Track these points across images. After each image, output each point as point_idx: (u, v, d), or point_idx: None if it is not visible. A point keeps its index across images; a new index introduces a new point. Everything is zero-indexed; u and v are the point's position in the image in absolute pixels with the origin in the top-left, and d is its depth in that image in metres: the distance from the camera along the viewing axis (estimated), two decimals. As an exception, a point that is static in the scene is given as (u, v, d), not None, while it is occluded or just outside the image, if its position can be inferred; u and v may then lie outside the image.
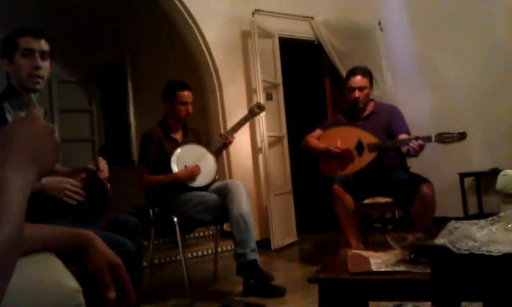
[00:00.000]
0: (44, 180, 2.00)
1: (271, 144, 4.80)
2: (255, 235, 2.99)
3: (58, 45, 2.24)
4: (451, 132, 3.08)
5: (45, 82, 2.19)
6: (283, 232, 4.73)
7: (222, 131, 4.53)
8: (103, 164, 2.29)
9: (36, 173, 0.74)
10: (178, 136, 3.29)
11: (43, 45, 2.13)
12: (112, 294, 1.00)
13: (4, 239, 0.63)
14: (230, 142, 3.37)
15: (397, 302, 2.38)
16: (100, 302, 1.70)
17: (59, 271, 1.32)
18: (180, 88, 3.24)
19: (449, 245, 1.26)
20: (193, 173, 3.15)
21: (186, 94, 3.24)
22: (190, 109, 3.26)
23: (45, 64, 2.14)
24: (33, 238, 1.13)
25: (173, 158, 3.15)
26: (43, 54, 2.13)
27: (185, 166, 3.16)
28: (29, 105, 0.82)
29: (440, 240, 1.32)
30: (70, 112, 7.59)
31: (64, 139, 7.21)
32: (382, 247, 1.84)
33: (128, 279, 1.04)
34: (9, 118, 0.82)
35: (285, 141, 5.00)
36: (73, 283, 1.33)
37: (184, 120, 3.30)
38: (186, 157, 3.19)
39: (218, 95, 4.83)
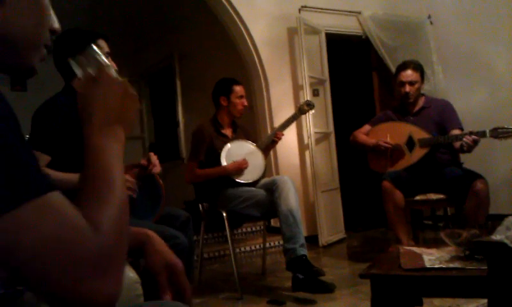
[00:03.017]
0: None
1: (318, 141, 4.78)
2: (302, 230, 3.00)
3: (109, 45, 2.33)
4: (506, 126, 2.99)
5: None
6: (331, 229, 4.71)
7: (269, 129, 4.57)
8: (154, 158, 2.36)
9: (123, 132, 0.74)
10: (228, 132, 3.35)
11: (107, 46, 2.25)
12: (167, 297, 0.97)
13: (119, 198, 0.64)
14: (279, 139, 3.39)
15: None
16: (155, 293, 1.75)
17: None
18: (235, 83, 3.35)
19: (507, 241, 1.23)
20: (241, 166, 3.19)
21: (242, 89, 3.35)
22: (246, 102, 3.35)
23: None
24: None
25: (223, 153, 3.20)
26: (107, 55, 2.25)
27: (234, 162, 3.21)
28: (97, 61, 0.79)
29: (496, 236, 1.29)
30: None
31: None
32: (433, 244, 1.81)
33: (185, 281, 1.00)
34: (78, 72, 0.79)
35: (332, 137, 4.97)
36: (132, 274, 1.39)
37: (237, 115, 3.36)
38: (235, 153, 3.24)
39: (265, 93, 4.86)
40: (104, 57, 0.80)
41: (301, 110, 3.47)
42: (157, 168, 2.35)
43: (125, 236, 0.64)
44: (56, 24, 0.76)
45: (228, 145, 3.24)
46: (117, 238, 0.61)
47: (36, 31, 0.71)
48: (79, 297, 0.56)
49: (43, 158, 2.03)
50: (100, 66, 0.78)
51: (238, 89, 3.32)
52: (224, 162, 3.18)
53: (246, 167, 3.21)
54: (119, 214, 0.63)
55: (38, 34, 0.71)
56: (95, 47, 0.81)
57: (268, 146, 3.42)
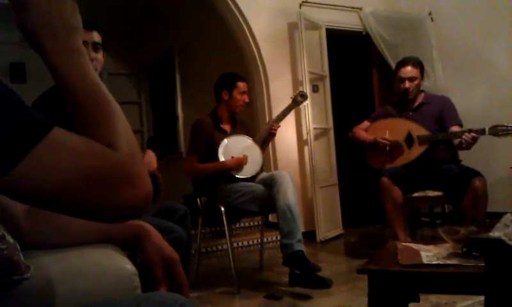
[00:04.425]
0: None
1: (317, 136, 4.78)
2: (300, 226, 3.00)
3: (109, 38, 2.29)
4: (506, 124, 2.99)
5: (98, 73, 2.25)
6: (329, 224, 4.71)
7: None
8: (148, 157, 2.34)
9: (79, 37, 0.69)
10: (227, 127, 3.35)
11: (96, 36, 2.17)
12: (163, 290, 0.99)
13: (117, 111, 0.67)
14: (275, 131, 3.38)
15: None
16: (153, 286, 1.75)
17: (116, 255, 1.38)
18: (240, 79, 3.34)
19: (505, 238, 1.23)
20: (241, 162, 3.19)
21: (245, 85, 3.35)
22: (247, 99, 3.34)
23: (98, 56, 2.18)
24: (91, 229, 1.16)
25: (220, 149, 3.20)
26: (95, 46, 2.16)
27: (232, 157, 3.20)
28: None
29: (494, 233, 1.29)
30: (120, 104, 7.69)
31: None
32: (431, 241, 1.81)
33: (182, 274, 1.02)
34: None
35: (331, 133, 4.97)
36: (129, 267, 1.39)
37: (236, 111, 3.35)
38: (233, 148, 3.24)
39: (265, 88, 4.85)
40: None
41: (295, 101, 3.46)
42: (151, 167, 2.34)
43: (135, 141, 0.68)
44: None
45: (225, 140, 3.23)
46: (133, 147, 0.65)
47: None
48: (122, 204, 0.61)
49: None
50: None
51: (241, 85, 3.31)
52: (222, 158, 3.18)
53: (245, 164, 3.21)
54: (125, 126, 0.67)
55: None
56: None
57: (266, 139, 3.41)
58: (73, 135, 0.59)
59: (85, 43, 2.13)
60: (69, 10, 0.70)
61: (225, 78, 3.37)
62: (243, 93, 3.31)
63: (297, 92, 3.56)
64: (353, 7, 5.16)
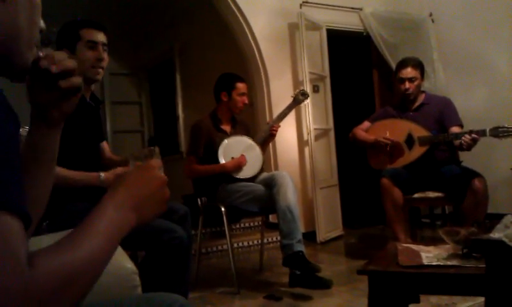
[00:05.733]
0: (103, 175, 2.08)
1: (317, 137, 4.78)
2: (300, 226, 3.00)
3: (110, 38, 2.30)
4: (507, 126, 2.98)
5: (103, 73, 2.27)
6: (329, 225, 4.71)
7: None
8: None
9: (136, 220, 0.75)
10: (227, 128, 3.35)
11: (103, 37, 2.21)
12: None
13: (81, 256, 0.61)
14: (275, 131, 3.38)
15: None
16: (153, 284, 1.75)
17: (117, 253, 1.39)
18: (239, 80, 3.33)
19: (505, 240, 1.23)
20: (240, 164, 3.19)
21: (244, 86, 3.34)
22: (247, 100, 3.33)
23: (106, 56, 2.23)
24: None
25: (220, 150, 3.20)
26: (103, 46, 2.21)
27: (232, 158, 3.20)
28: (148, 157, 0.88)
29: (495, 235, 1.29)
30: (121, 104, 7.79)
31: (114, 130, 7.46)
32: (431, 242, 1.81)
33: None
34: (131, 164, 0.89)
35: (332, 133, 4.97)
36: (130, 265, 1.39)
37: (236, 112, 3.35)
38: (233, 148, 3.24)
39: (265, 88, 4.85)
40: (159, 158, 0.90)
41: (296, 99, 3.46)
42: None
43: (71, 293, 0.59)
44: (42, 23, 0.77)
45: (226, 141, 3.23)
46: (54, 287, 0.56)
47: (31, 29, 0.70)
48: None
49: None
50: (149, 162, 0.86)
51: (240, 86, 3.31)
52: (221, 159, 3.18)
53: (244, 164, 3.21)
54: (71, 267, 0.59)
55: (32, 32, 0.71)
56: (156, 150, 0.94)
57: (266, 139, 3.41)
58: (15, 233, 0.54)
59: (96, 43, 2.16)
60: (155, 203, 0.80)
61: (224, 79, 3.37)
62: (242, 94, 3.30)
63: (298, 90, 3.55)
64: (354, 8, 5.16)
